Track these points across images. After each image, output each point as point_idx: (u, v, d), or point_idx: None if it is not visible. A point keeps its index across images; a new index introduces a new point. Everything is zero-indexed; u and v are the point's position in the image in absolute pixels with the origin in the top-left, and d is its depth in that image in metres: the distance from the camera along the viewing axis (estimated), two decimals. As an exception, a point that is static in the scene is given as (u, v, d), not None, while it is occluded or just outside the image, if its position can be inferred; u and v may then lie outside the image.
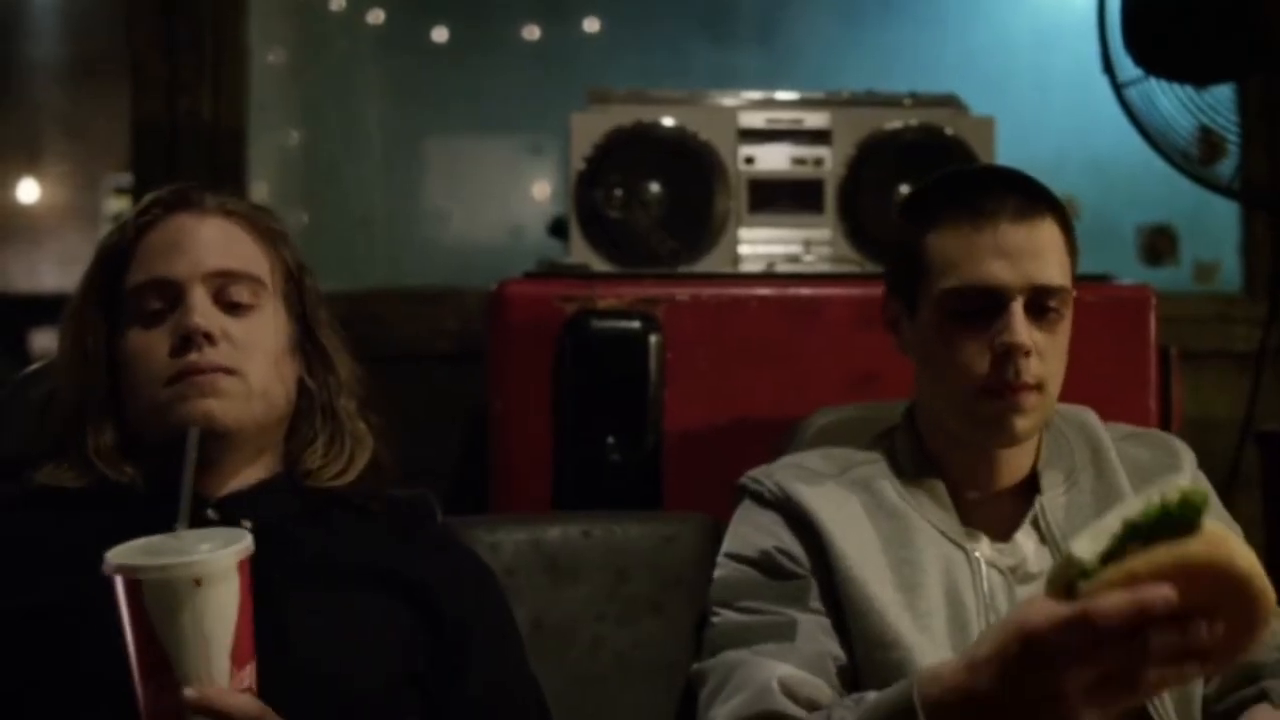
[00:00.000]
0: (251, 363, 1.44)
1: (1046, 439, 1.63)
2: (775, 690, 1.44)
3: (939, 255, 1.54)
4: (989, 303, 1.52)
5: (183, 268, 1.45)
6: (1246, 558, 1.06)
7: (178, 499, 1.33)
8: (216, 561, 1.13)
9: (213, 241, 1.48)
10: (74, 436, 1.47)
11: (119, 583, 1.13)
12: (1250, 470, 2.75)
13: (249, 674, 1.17)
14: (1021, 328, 1.50)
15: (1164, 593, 1.03)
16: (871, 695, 1.36)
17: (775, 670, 1.46)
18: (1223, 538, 1.06)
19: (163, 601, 1.10)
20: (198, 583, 1.11)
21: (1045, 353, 1.52)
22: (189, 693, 1.11)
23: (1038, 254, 1.52)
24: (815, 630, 1.50)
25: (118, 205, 5.83)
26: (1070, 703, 1.09)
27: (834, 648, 1.50)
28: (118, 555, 1.15)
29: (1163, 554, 1.04)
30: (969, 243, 1.52)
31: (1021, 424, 1.52)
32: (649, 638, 1.84)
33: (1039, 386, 1.51)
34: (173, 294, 1.45)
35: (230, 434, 1.42)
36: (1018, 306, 1.50)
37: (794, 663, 1.47)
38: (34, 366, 1.76)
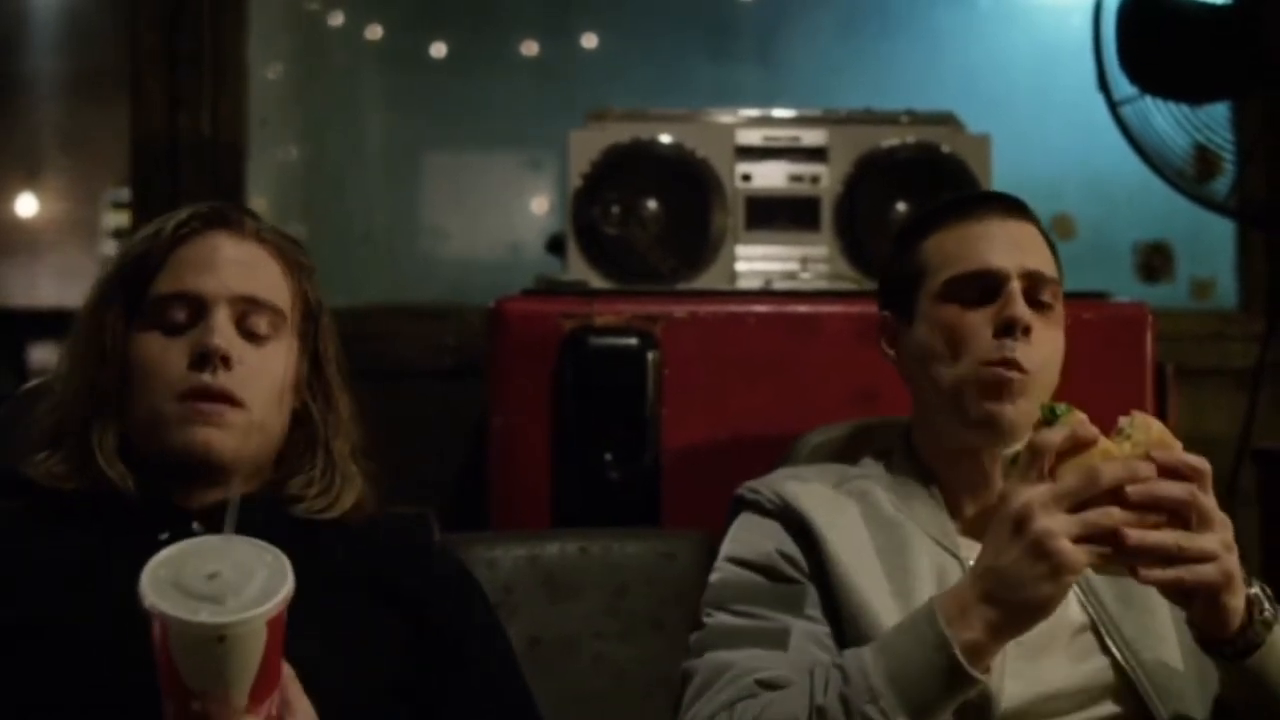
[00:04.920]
0: (257, 395, 1.47)
1: None
2: (754, 685, 1.45)
3: (937, 253, 1.62)
4: (988, 286, 1.58)
5: (212, 286, 1.48)
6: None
7: (168, 513, 1.44)
8: (242, 624, 1.10)
9: (243, 265, 1.50)
10: (77, 431, 1.47)
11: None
12: (1248, 488, 2.75)
13: (272, 703, 1.16)
14: (1021, 304, 1.56)
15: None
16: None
17: (759, 674, 1.47)
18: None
19: (186, 647, 1.10)
20: (221, 639, 1.09)
21: (1040, 340, 1.57)
22: None
23: (1029, 246, 1.61)
24: (806, 640, 1.51)
25: (116, 220, 5.82)
26: (1061, 550, 1.29)
27: (824, 658, 1.50)
28: (153, 579, 1.12)
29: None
30: (965, 236, 1.61)
31: (1011, 414, 1.54)
32: (648, 654, 1.84)
33: (1032, 374, 1.55)
34: (197, 309, 1.48)
35: (225, 464, 1.45)
36: (1015, 286, 1.57)
37: (782, 669, 1.47)
38: (34, 382, 1.75)
